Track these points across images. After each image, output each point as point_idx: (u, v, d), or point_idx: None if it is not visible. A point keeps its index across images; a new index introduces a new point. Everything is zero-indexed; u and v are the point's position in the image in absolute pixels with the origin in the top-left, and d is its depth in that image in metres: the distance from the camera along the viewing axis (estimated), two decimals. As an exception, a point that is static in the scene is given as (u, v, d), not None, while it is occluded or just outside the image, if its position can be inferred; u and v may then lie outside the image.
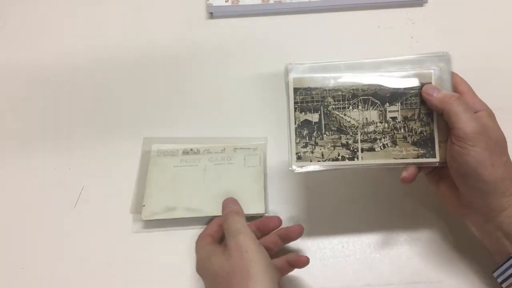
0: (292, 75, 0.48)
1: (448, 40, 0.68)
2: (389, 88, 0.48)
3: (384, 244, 0.54)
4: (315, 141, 0.48)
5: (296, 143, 0.48)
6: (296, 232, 0.50)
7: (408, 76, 0.48)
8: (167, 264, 0.54)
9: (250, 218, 0.53)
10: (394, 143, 0.48)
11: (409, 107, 0.48)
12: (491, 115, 0.46)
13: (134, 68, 0.69)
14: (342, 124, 0.48)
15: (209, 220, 0.55)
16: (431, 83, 0.47)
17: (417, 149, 0.48)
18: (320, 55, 0.68)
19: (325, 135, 0.48)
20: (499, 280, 0.46)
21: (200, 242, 0.51)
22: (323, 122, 0.48)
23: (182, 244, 0.55)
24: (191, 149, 0.61)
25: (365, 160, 0.48)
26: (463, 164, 0.44)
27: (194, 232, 0.56)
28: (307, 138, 0.48)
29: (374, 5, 0.72)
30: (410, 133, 0.48)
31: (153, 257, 0.55)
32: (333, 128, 0.48)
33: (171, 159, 0.60)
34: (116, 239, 0.56)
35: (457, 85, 0.48)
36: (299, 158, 0.48)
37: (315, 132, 0.48)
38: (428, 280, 0.51)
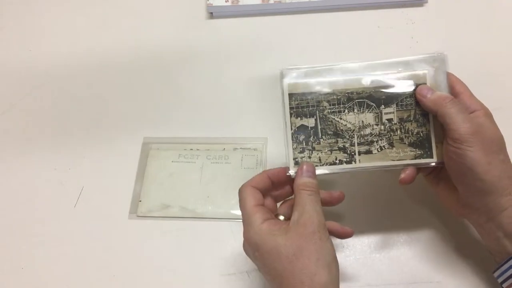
0: (286, 81, 0.48)
1: (448, 40, 0.68)
2: (384, 90, 0.48)
3: (384, 244, 0.54)
4: (312, 146, 0.48)
5: (293, 148, 0.48)
6: (337, 198, 0.48)
7: (403, 78, 0.48)
8: (167, 264, 0.54)
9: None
10: (391, 145, 0.48)
11: (405, 109, 0.48)
12: (488, 114, 0.46)
13: (134, 68, 0.69)
14: (338, 128, 0.48)
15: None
16: (425, 83, 0.47)
17: (414, 150, 0.48)
18: (320, 55, 0.68)
19: (321, 140, 0.48)
20: (499, 280, 0.46)
21: (250, 206, 0.45)
22: (319, 127, 0.48)
23: (183, 244, 0.55)
24: (191, 149, 0.61)
25: (362, 163, 0.48)
26: (460, 164, 0.44)
27: (194, 233, 0.56)
28: (304, 143, 0.48)
29: (374, 5, 0.72)
30: (407, 134, 0.48)
31: (153, 257, 0.55)
32: (329, 132, 0.48)
33: (170, 154, 0.60)
34: (116, 239, 0.56)
35: (454, 85, 0.48)
36: (296, 163, 0.48)
37: (312, 137, 0.48)
38: (428, 280, 0.51)
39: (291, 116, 0.48)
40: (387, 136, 0.48)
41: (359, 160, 0.48)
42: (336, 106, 0.48)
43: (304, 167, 0.46)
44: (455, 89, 0.47)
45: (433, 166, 0.48)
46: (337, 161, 0.48)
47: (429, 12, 0.71)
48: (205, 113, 0.64)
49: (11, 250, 0.57)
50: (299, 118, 0.48)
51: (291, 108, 0.48)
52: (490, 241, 0.46)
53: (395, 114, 0.48)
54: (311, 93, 0.48)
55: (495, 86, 0.63)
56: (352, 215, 0.56)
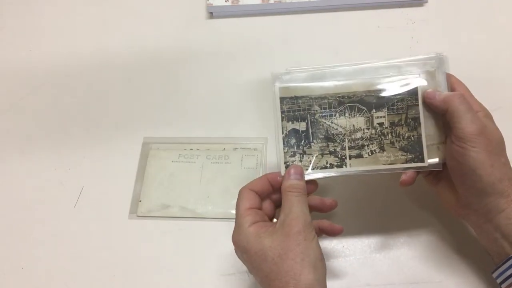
0: (278, 85, 0.48)
1: (448, 40, 0.68)
2: (375, 94, 0.48)
3: (384, 244, 0.54)
4: (303, 150, 0.48)
5: (284, 152, 0.48)
6: (329, 206, 0.48)
7: (394, 82, 0.48)
8: (167, 264, 0.54)
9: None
10: (382, 149, 0.48)
11: (396, 113, 0.48)
12: (488, 116, 0.46)
13: (134, 68, 0.69)
14: (329, 132, 0.48)
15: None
16: (416, 88, 0.47)
17: (405, 154, 0.47)
18: (320, 55, 0.68)
19: (312, 144, 0.48)
20: (498, 280, 0.46)
21: (243, 208, 0.45)
22: (310, 131, 0.48)
23: (183, 244, 0.55)
24: (191, 149, 0.61)
25: (353, 167, 0.48)
26: (462, 164, 0.44)
27: (194, 233, 0.56)
28: (295, 147, 0.48)
29: (374, 5, 0.72)
30: (398, 138, 0.48)
31: (153, 257, 0.55)
32: (320, 136, 0.48)
33: (170, 154, 0.60)
34: (116, 239, 0.56)
35: (454, 86, 0.48)
36: (288, 167, 0.47)
37: (303, 141, 0.48)
38: (428, 280, 0.51)
39: (282, 120, 0.48)
40: (378, 140, 0.48)
41: (350, 164, 0.48)
42: (327, 110, 0.48)
43: (292, 170, 0.46)
44: (455, 90, 0.47)
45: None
46: (328, 165, 0.48)
47: (429, 12, 0.71)
48: (205, 113, 0.64)
49: (11, 250, 0.57)
50: (290, 122, 0.48)
51: (282, 112, 0.48)
52: (489, 242, 0.46)
53: (386, 118, 0.48)
54: (302, 97, 0.48)
55: (495, 86, 0.63)
56: (352, 215, 0.56)
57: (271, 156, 0.60)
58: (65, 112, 0.66)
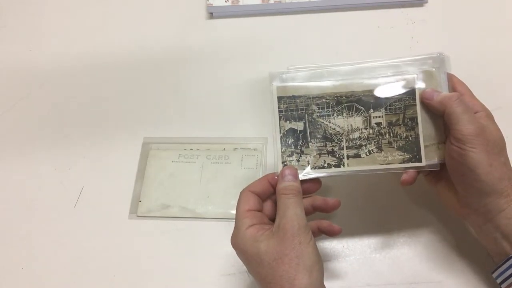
0: (275, 84, 0.48)
1: (448, 40, 0.68)
2: (373, 94, 0.48)
3: (384, 244, 0.54)
4: (300, 150, 0.48)
5: (282, 152, 0.48)
6: (331, 206, 0.48)
7: (392, 82, 0.48)
8: (167, 264, 0.54)
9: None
10: (380, 148, 0.48)
11: (393, 113, 0.48)
12: (489, 116, 0.46)
13: (134, 68, 0.69)
14: (327, 132, 0.48)
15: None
16: (414, 88, 0.47)
17: (402, 154, 0.47)
18: (321, 55, 0.68)
19: (310, 143, 0.48)
20: (498, 280, 0.46)
21: (242, 210, 0.45)
22: (308, 130, 0.48)
23: (183, 244, 0.55)
24: (191, 149, 0.61)
25: (351, 167, 0.48)
26: (461, 164, 0.44)
27: (194, 233, 0.56)
28: (293, 147, 0.48)
29: (374, 5, 0.72)
30: (395, 138, 0.48)
31: (153, 257, 0.55)
32: (318, 136, 0.48)
33: (170, 154, 0.60)
34: (116, 239, 0.56)
35: (455, 86, 0.48)
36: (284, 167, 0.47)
37: (301, 141, 0.48)
38: (428, 280, 0.51)
39: (280, 120, 0.48)
40: (375, 140, 0.48)
41: (348, 164, 0.48)
42: (325, 110, 0.48)
43: (286, 171, 0.46)
44: (456, 90, 0.47)
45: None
46: (326, 165, 0.48)
47: (429, 12, 0.71)
48: (205, 113, 0.64)
49: (11, 250, 0.57)
50: (288, 122, 0.48)
51: (280, 112, 0.48)
52: (489, 242, 0.46)
53: (384, 118, 0.48)
54: (300, 96, 0.48)
55: (495, 86, 0.63)
56: (352, 215, 0.56)
57: (271, 156, 0.60)
58: (65, 112, 0.66)
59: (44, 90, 0.68)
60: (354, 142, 0.48)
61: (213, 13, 0.73)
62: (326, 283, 0.48)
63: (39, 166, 0.62)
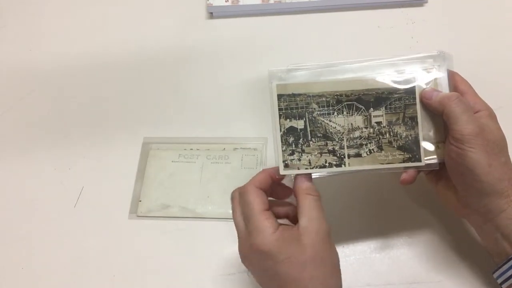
0: (275, 82, 0.48)
1: (448, 40, 0.68)
2: (373, 93, 0.47)
3: (384, 244, 0.54)
4: (301, 148, 0.47)
5: (282, 150, 0.47)
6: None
7: (392, 81, 0.47)
8: (167, 264, 0.54)
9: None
10: (380, 148, 0.47)
11: (393, 112, 0.47)
12: (491, 115, 0.46)
13: (134, 68, 0.69)
14: (327, 130, 0.48)
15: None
16: (413, 87, 0.47)
17: (402, 153, 0.47)
18: (320, 55, 0.68)
19: (311, 142, 0.48)
20: (499, 281, 0.46)
21: (259, 210, 0.43)
22: (308, 129, 0.48)
23: (183, 244, 0.55)
24: (191, 149, 0.61)
25: (352, 166, 0.47)
26: (460, 164, 0.44)
27: (194, 233, 0.56)
28: (294, 146, 0.47)
29: (374, 5, 0.72)
30: (395, 138, 0.47)
31: (153, 257, 0.55)
32: (318, 135, 0.48)
33: (170, 154, 0.60)
34: (116, 239, 0.56)
35: (457, 85, 0.47)
36: (286, 166, 0.47)
37: (301, 139, 0.48)
38: (428, 280, 0.51)
39: (280, 118, 0.48)
40: (376, 139, 0.47)
41: (349, 163, 0.47)
42: (326, 108, 0.47)
43: (305, 175, 0.46)
44: (459, 88, 0.47)
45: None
46: (327, 164, 0.47)
47: (429, 12, 0.71)
48: (205, 113, 0.64)
49: (11, 250, 0.57)
50: (288, 120, 0.48)
51: (280, 110, 0.48)
52: (489, 242, 0.46)
53: (384, 117, 0.48)
54: (300, 94, 0.48)
55: (495, 86, 0.62)
56: (352, 215, 0.56)
57: (271, 156, 0.60)
58: (65, 112, 0.66)
59: (44, 90, 0.68)
60: (355, 141, 0.48)
61: (213, 13, 0.73)
62: (326, 283, 0.48)
63: (39, 166, 0.62)
